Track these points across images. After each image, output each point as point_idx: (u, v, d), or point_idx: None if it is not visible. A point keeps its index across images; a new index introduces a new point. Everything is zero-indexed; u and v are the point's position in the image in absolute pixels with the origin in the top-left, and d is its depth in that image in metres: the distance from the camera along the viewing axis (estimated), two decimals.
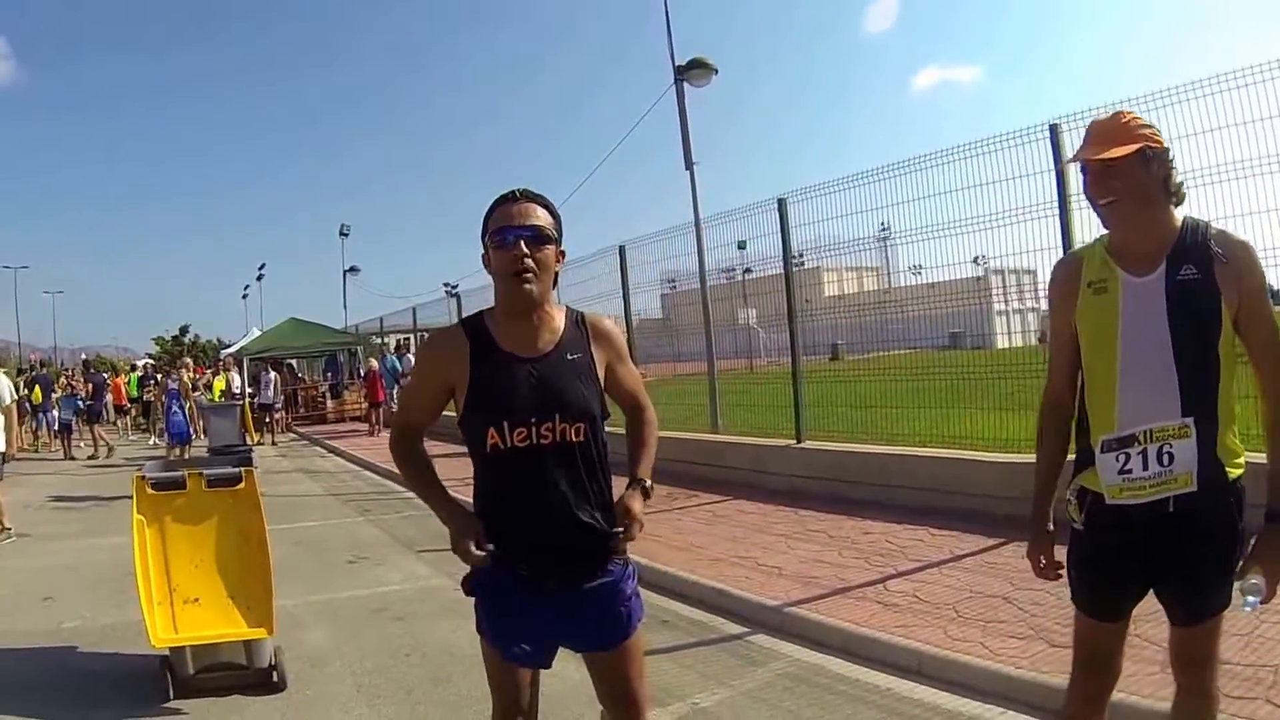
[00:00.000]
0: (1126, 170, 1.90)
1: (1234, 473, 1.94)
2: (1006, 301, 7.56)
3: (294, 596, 5.06)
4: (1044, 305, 7.11)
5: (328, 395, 22.55)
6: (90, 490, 10.81)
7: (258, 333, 25.10)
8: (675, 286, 11.09)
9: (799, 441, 7.69)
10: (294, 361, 24.38)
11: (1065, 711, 2.21)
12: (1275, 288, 3.96)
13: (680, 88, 10.19)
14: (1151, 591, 2.05)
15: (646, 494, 2.07)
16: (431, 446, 2.23)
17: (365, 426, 17.50)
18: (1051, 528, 2.15)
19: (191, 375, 14.64)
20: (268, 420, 18.17)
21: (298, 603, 5.05)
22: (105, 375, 20.30)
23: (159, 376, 19.10)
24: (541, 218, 1.96)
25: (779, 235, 7.79)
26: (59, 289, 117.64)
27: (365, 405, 18.13)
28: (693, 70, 10.11)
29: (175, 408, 12.29)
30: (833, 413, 7.93)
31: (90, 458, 15.32)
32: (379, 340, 21.54)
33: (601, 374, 2.05)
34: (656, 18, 10.51)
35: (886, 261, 8.06)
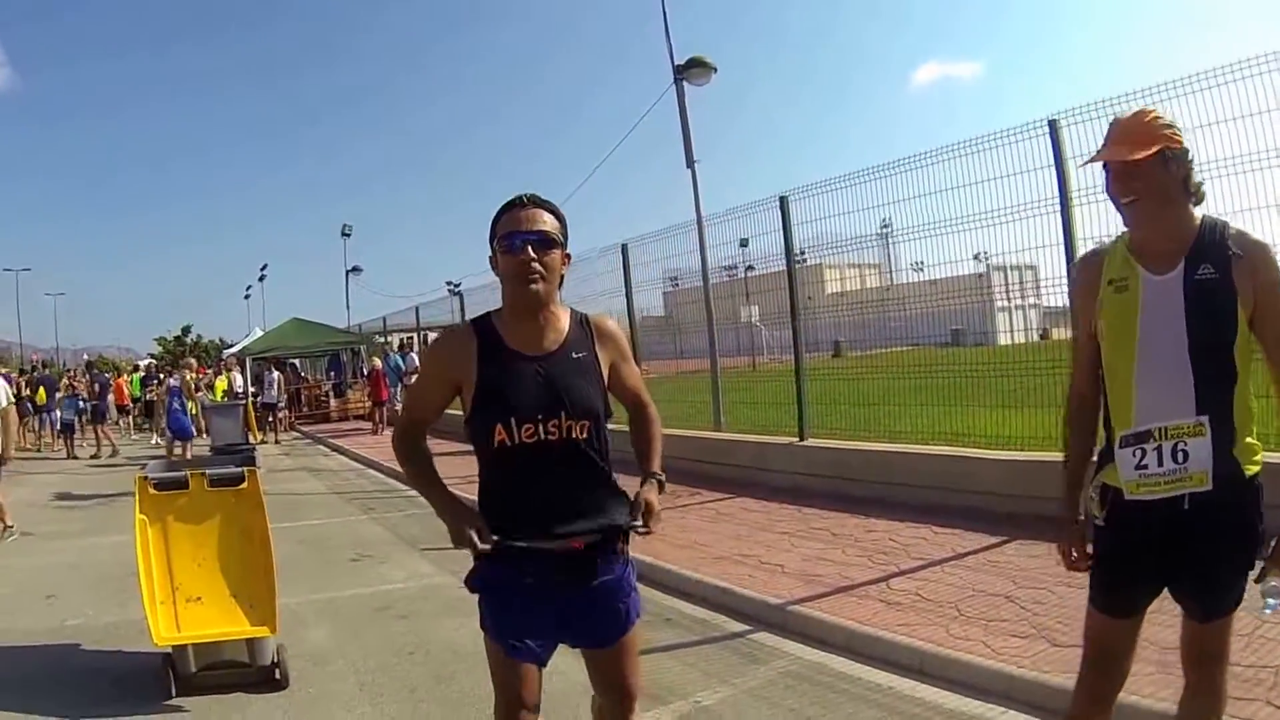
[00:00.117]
0: (1147, 171, 1.92)
1: (1251, 471, 1.95)
2: (1009, 298, 7.55)
3: (297, 595, 5.06)
4: (1045, 301, 7.15)
5: (331, 394, 22.59)
6: (93, 489, 10.83)
7: (260, 332, 25.14)
8: (678, 284, 11.10)
9: (802, 439, 7.69)
10: (297, 361, 24.41)
11: (1071, 711, 2.22)
12: None
13: (680, 87, 10.20)
14: (1166, 590, 2.05)
15: (661, 487, 2.12)
16: (435, 444, 2.25)
17: (369, 425, 17.52)
18: (1082, 518, 2.17)
19: (194, 375, 14.66)
20: (271, 419, 18.20)
21: (300, 601, 5.06)
22: (108, 375, 20.35)
23: (161, 376, 19.13)
24: (548, 223, 2.01)
25: (781, 233, 7.78)
26: (60, 291, 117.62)
27: (369, 404, 18.15)
28: (692, 69, 10.12)
29: (176, 405, 12.29)
30: (835, 410, 7.93)
31: (93, 457, 15.36)
32: (382, 339, 21.58)
33: (605, 373, 2.10)
34: (656, 18, 10.48)
35: (888, 258, 8.09)
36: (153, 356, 43.95)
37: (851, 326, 8.82)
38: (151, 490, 3.87)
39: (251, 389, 18.53)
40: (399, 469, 2.23)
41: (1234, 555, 1.95)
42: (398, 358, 17.45)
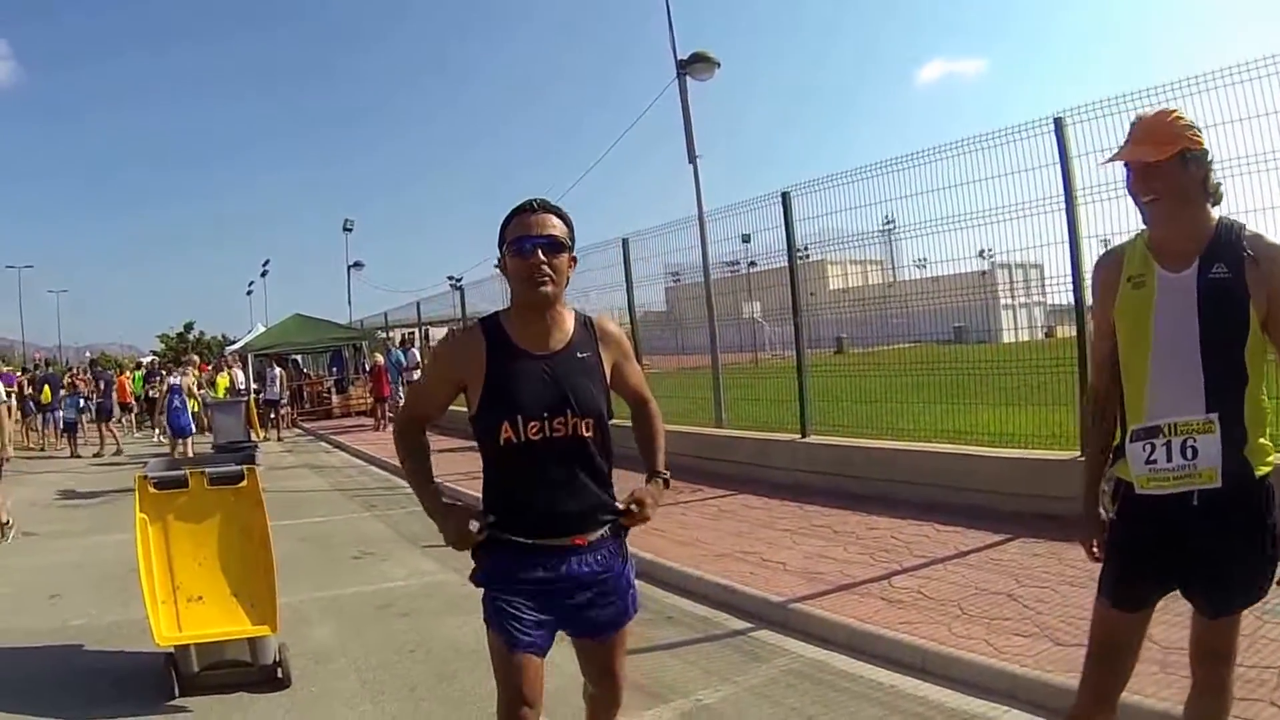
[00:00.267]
0: (1168, 171, 1.96)
1: (1262, 471, 1.96)
2: (1013, 296, 7.51)
3: (299, 593, 5.07)
4: (1050, 299, 7.12)
5: (333, 390, 22.60)
6: (96, 487, 10.84)
7: (262, 329, 25.13)
8: (679, 280, 11.06)
9: (804, 435, 7.68)
10: (299, 357, 24.42)
11: (1075, 709, 2.22)
12: None
13: (683, 82, 10.17)
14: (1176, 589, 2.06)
15: (666, 484, 2.23)
16: (436, 441, 2.26)
17: (370, 421, 17.53)
18: (1103, 513, 2.19)
19: (197, 374, 14.66)
20: (273, 416, 18.21)
21: (302, 599, 5.06)
22: (111, 373, 20.37)
23: (163, 373, 19.15)
24: (557, 227, 2.07)
25: (783, 229, 7.76)
26: (63, 289, 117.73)
27: (371, 400, 18.16)
28: (695, 64, 10.08)
29: (176, 403, 12.31)
30: (837, 407, 7.92)
31: (96, 455, 15.38)
32: (384, 335, 21.58)
33: (608, 373, 2.18)
34: (658, 17, 10.45)
35: (891, 255, 8.05)
36: (155, 353, 43.99)
37: (854, 323, 8.79)
38: (151, 489, 3.87)
39: (254, 385, 18.55)
40: (401, 465, 2.28)
41: (1246, 554, 1.96)
42: (399, 353, 17.47)
